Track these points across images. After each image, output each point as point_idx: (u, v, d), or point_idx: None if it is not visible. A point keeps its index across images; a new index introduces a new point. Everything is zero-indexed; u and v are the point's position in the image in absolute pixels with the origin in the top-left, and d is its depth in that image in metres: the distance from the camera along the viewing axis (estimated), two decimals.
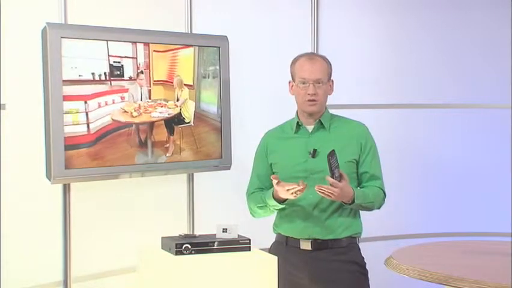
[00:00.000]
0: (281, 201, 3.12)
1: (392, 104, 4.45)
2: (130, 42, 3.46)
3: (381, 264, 3.13)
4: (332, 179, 2.96)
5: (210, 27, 3.82)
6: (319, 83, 3.14)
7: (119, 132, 3.52)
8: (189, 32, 3.82)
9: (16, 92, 3.25)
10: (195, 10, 3.84)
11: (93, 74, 3.42)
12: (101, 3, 3.54)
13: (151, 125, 3.62)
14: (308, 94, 3.13)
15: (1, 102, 3.21)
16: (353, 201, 3.06)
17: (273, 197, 3.11)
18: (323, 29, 4.25)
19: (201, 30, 3.83)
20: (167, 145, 3.69)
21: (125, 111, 3.54)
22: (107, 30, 3.40)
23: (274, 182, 3.04)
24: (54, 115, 3.21)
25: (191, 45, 3.68)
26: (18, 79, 3.27)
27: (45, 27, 3.22)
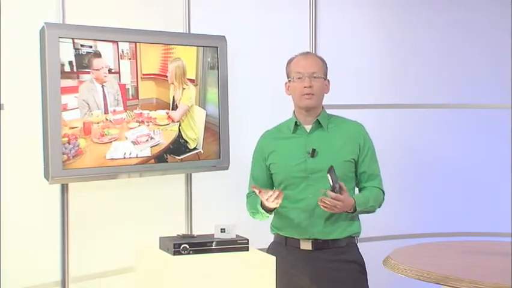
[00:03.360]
0: (268, 210, 3.13)
1: (391, 104, 4.45)
2: (129, 42, 3.43)
3: (380, 264, 3.13)
4: (334, 194, 2.99)
5: (208, 28, 3.82)
6: (314, 77, 3.15)
7: None
8: (187, 32, 3.82)
9: (15, 92, 3.25)
10: (193, 10, 3.83)
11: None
12: (99, 4, 3.54)
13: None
14: (304, 87, 3.13)
15: (0, 103, 3.21)
16: (355, 209, 3.09)
17: (262, 206, 3.13)
18: (321, 28, 4.25)
19: (199, 30, 3.82)
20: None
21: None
22: (105, 31, 3.38)
23: (256, 191, 3.05)
24: (52, 115, 3.20)
25: (189, 45, 3.66)
26: (16, 79, 3.26)
27: (43, 27, 3.21)
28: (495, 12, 4.52)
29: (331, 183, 2.99)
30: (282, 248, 3.20)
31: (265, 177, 3.26)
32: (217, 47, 3.73)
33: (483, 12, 4.53)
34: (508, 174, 4.42)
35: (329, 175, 2.99)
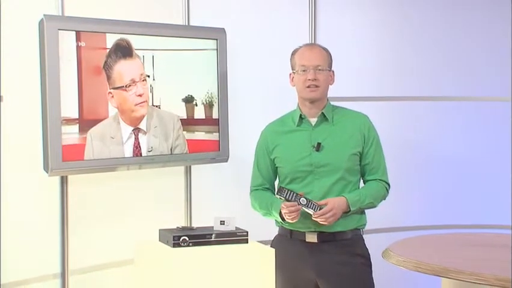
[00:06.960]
0: (284, 219, 3.12)
1: (391, 96, 4.44)
2: (127, 34, 3.42)
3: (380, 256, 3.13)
4: (317, 213, 3.00)
5: (208, 21, 3.81)
6: (319, 69, 3.13)
7: None
8: (187, 24, 3.81)
9: (14, 84, 3.25)
10: (193, 3, 3.82)
11: None
12: None
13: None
14: (309, 80, 3.12)
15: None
16: (350, 209, 3.08)
17: (279, 211, 3.10)
18: (321, 22, 4.23)
19: (199, 24, 3.81)
20: None
21: None
22: (105, 23, 3.38)
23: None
24: (51, 108, 3.20)
25: (189, 37, 3.65)
26: (16, 71, 3.26)
27: (42, 19, 3.20)
28: (494, 4, 4.51)
29: (308, 206, 2.99)
30: (287, 240, 3.18)
31: (270, 170, 3.25)
32: (216, 39, 3.72)
33: (482, 5, 4.52)
34: (508, 167, 4.42)
35: (298, 201, 2.99)
